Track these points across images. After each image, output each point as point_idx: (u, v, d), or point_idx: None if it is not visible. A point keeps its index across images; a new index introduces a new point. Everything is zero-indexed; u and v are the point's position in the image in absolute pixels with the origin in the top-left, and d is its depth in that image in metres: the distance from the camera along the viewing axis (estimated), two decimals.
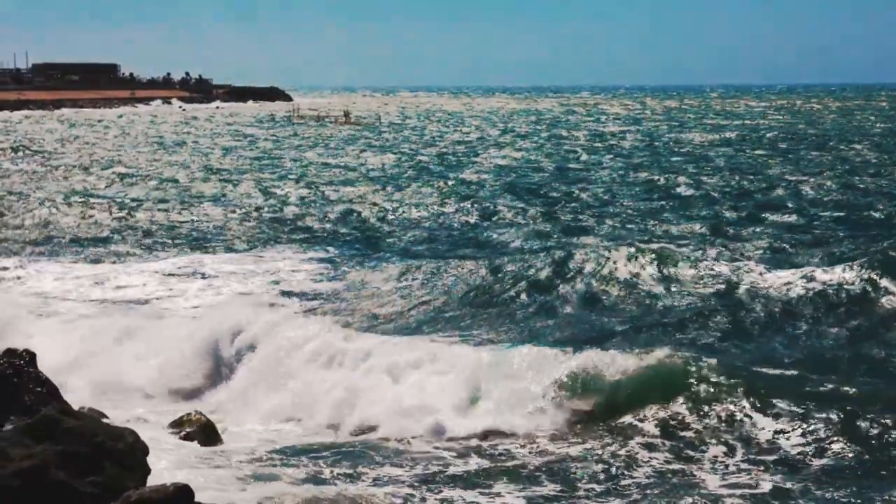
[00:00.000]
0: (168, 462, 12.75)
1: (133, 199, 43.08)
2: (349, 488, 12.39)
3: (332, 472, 13.47)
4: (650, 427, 15.14)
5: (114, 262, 28.94)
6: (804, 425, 14.80)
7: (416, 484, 12.99)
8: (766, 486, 12.94)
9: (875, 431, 14.45)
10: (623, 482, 13.18)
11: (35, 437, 7.30)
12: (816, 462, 13.77)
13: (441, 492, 12.69)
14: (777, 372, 17.43)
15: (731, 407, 15.45)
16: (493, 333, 20.63)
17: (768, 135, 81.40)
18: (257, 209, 39.72)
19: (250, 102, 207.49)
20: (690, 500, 12.31)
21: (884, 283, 22.36)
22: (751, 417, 15.19)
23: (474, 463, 13.91)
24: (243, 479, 12.92)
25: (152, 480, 8.12)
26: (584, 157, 62.62)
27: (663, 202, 39.54)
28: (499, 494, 12.71)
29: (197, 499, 8.05)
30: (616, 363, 16.36)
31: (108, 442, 7.58)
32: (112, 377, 17.28)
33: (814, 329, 20.58)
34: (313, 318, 21.04)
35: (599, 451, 14.24)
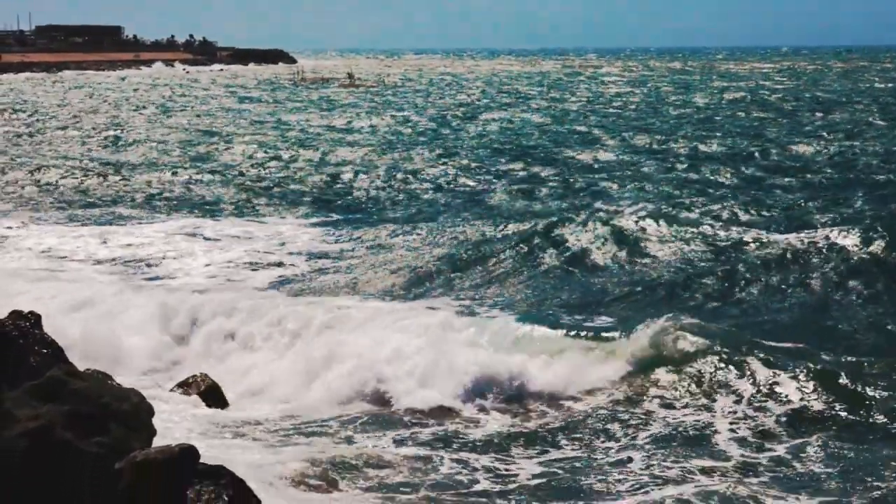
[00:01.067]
0: (182, 426, 12.85)
1: (131, 163, 43.04)
2: (376, 450, 12.58)
3: (354, 435, 13.59)
4: (658, 392, 15.26)
5: (112, 225, 28.98)
6: (796, 385, 14.95)
7: (436, 445, 13.18)
8: (776, 446, 13.11)
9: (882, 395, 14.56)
10: (638, 440, 13.38)
11: (41, 398, 7.35)
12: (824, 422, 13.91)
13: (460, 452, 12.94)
14: (775, 335, 17.51)
15: (724, 371, 15.56)
16: (489, 299, 20.68)
17: (772, 97, 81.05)
18: (254, 173, 39.67)
19: (253, 65, 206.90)
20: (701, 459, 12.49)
21: (885, 245, 22.38)
22: (749, 380, 15.31)
23: (491, 426, 14.06)
24: (265, 441, 13.05)
25: (161, 441, 8.18)
26: (585, 118, 62.39)
27: (664, 164, 39.44)
28: (514, 457, 12.93)
29: (220, 463, 8.14)
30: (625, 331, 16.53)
31: (114, 403, 7.62)
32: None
33: (813, 291, 20.62)
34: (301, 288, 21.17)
35: (615, 413, 14.41)
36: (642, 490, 11.71)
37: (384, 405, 14.92)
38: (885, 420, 13.89)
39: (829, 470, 12.30)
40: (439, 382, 15.12)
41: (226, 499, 7.83)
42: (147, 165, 42.19)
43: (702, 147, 44.82)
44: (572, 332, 16.92)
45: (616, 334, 16.70)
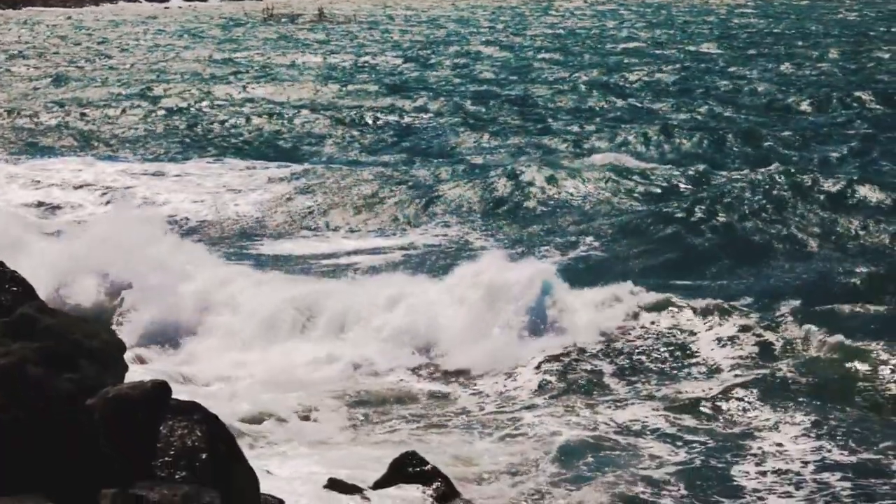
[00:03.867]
0: None
1: (80, 103, 42.42)
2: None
3: None
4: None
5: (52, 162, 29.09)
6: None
7: None
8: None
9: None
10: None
11: (12, 335, 7.33)
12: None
13: None
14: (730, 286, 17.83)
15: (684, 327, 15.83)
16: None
17: (732, 31, 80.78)
18: (207, 115, 39.28)
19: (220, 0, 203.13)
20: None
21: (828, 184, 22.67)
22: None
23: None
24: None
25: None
26: (541, 56, 61.35)
27: (614, 105, 39.33)
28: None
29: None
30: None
31: (85, 340, 7.62)
32: None
33: (764, 229, 20.89)
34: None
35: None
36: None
37: None
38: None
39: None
40: None
41: (199, 434, 7.86)
42: (79, 104, 41.63)
43: (653, 83, 44.84)
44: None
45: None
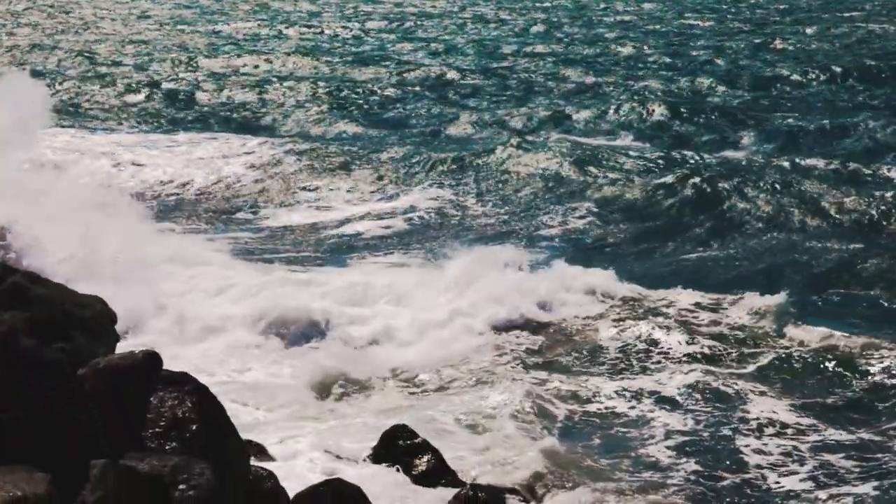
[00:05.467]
0: None
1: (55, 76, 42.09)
2: None
3: None
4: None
5: None
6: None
7: None
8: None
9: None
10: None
11: (2, 304, 7.28)
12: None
13: None
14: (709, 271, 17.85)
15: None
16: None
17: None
18: (192, 87, 39.06)
19: None
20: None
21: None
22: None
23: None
24: None
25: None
26: (534, 29, 61.00)
27: (594, 78, 39.19)
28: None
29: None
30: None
31: (76, 310, 7.58)
32: None
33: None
34: None
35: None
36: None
37: None
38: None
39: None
40: None
41: (189, 405, 7.83)
42: (47, 73, 41.35)
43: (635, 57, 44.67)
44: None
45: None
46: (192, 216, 22.11)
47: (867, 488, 10.74)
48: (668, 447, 11.79)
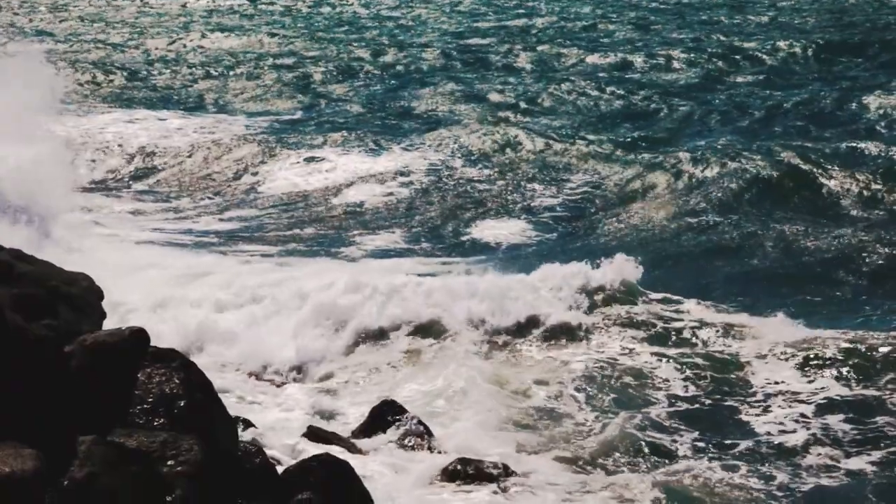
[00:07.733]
0: None
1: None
2: None
3: None
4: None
5: None
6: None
7: None
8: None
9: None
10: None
11: None
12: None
13: None
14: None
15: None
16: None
17: None
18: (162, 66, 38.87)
19: None
20: None
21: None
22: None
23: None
24: None
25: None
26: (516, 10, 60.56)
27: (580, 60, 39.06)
28: None
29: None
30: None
31: (63, 286, 7.56)
32: None
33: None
34: None
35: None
36: None
37: None
38: None
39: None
40: None
41: (177, 381, 7.83)
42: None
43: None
44: None
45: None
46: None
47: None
48: (667, 414, 11.91)
